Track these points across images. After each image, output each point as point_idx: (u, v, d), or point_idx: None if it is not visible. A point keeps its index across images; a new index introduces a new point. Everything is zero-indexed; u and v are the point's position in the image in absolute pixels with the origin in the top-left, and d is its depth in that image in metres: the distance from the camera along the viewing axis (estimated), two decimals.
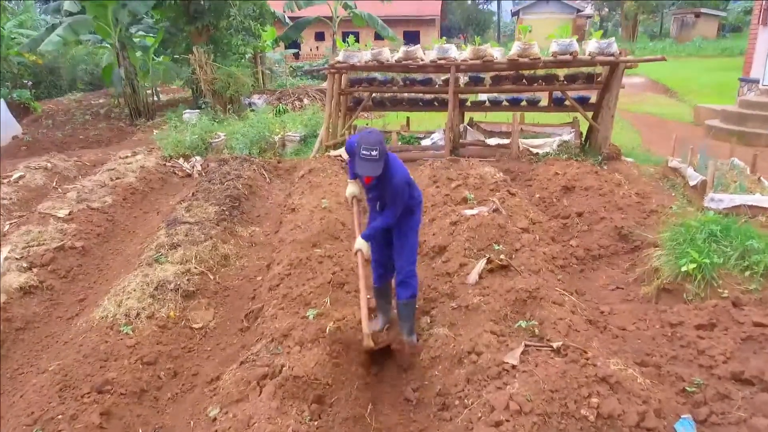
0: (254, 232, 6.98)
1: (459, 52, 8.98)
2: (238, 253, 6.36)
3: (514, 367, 3.35)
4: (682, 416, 3.05)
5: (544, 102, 9.93)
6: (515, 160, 8.75)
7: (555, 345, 3.51)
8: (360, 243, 3.91)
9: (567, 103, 9.39)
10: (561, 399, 3.01)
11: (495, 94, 9.88)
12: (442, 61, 8.79)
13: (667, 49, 29.28)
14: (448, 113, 9.14)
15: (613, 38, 8.31)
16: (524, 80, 9.36)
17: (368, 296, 4.58)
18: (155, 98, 17.11)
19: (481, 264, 4.65)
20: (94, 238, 6.76)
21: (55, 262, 5.93)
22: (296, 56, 32.09)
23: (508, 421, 2.93)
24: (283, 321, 4.32)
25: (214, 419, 3.60)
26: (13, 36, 17.01)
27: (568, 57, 8.31)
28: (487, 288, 4.39)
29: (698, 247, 4.34)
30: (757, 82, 11.83)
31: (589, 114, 9.22)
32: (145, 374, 4.11)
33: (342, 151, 8.86)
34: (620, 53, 8.27)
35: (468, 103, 10.23)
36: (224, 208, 7.00)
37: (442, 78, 9.54)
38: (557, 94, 9.63)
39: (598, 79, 8.87)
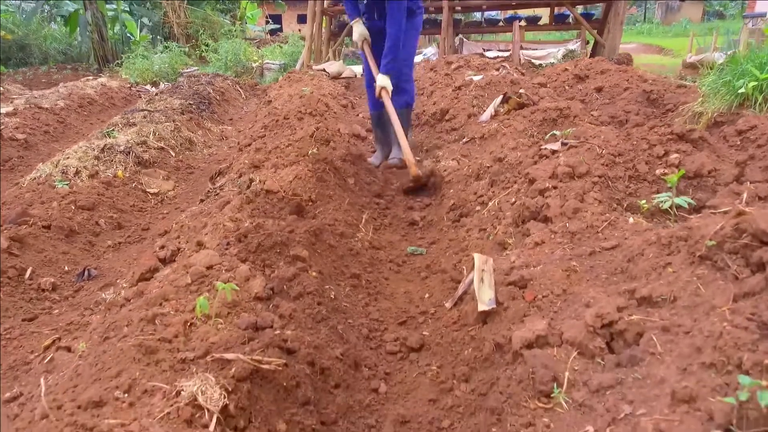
0: (225, 129, 6.11)
1: None
2: (207, 142, 5.50)
3: (554, 152, 2.55)
4: None
5: (544, 21, 9.18)
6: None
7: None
8: (382, 80, 3.40)
9: (570, 20, 8.66)
10: (627, 162, 2.22)
11: (491, 13, 9.12)
12: None
13: (654, 30, 28.81)
14: (442, 29, 8.35)
15: None
16: None
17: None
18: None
19: (497, 101, 3.85)
20: (41, 135, 5.84)
21: None
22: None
23: (555, 188, 2.12)
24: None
25: (162, 246, 2.77)
26: None
27: None
28: (505, 118, 3.59)
29: (759, 65, 3.59)
30: (763, 15, 11.28)
31: (595, 31, 8.49)
32: (78, 217, 3.26)
33: (326, 65, 8.01)
34: None
35: (462, 25, 9.45)
36: (191, 102, 6.11)
37: None
38: (558, 11, 8.90)
39: None
